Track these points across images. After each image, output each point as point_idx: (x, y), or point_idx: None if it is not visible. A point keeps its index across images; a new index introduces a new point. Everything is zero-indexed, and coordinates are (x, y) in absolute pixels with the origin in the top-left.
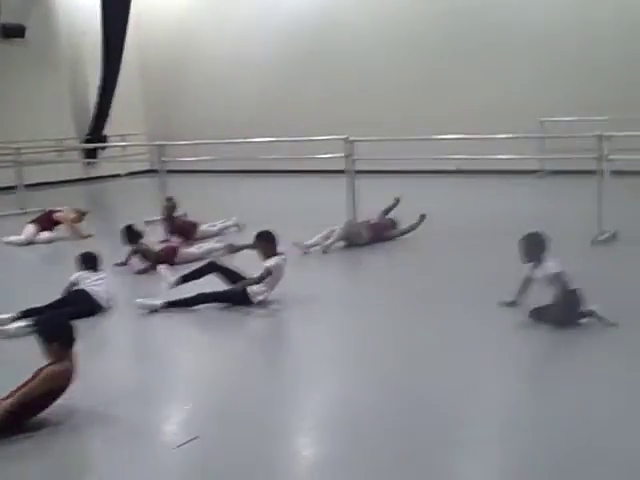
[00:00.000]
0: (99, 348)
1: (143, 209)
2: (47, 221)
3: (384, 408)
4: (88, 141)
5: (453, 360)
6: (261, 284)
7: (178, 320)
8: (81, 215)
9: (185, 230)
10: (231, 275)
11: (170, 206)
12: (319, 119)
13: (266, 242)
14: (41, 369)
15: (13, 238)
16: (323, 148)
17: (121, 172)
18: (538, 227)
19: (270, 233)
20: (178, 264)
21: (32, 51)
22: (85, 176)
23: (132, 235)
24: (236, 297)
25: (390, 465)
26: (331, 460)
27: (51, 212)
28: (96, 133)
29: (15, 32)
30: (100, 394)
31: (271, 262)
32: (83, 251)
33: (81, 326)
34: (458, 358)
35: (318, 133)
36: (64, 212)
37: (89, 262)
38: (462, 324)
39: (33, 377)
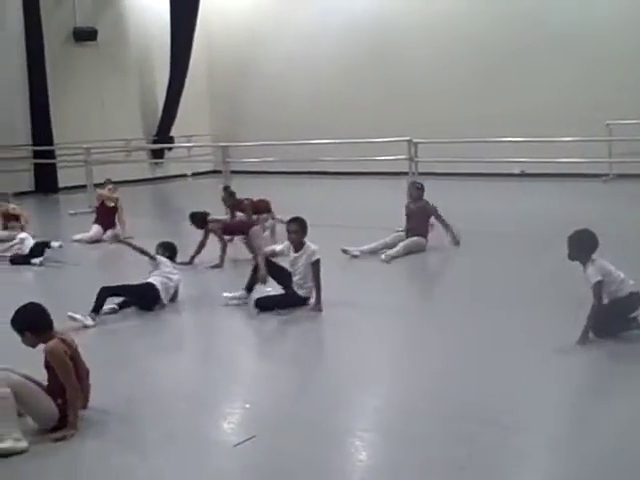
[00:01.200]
0: (159, 346)
1: (207, 209)
2: (103, 215)
3: (436, 413)
4: (155, 142)
5: (507, 367)
6: (301, 278)
7: (235, 320)
8: (111, 185)
9: (243, 207)
10: (280, 273)
11: (229, 195)
12: (381, 121)
13: (303, 229)
14: (45, 355)
15: (81, 236)
16: (385, 150)
17: (187, 172)
18: (600, 230)
19: (305, 220)
20: (247, 236)
21: (103, 54)
22: (151, 176)
23: (198, 218)
24: (297, 300)
25: (443, 471)
26: (385, 464)
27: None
28: (163, 134)
29: (87, 36)
30: (158, 392)
31: (315, 252)
32: (164, 240)
33: (143, 323)
34: (512, 364)
35: (380, 135)
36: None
37: (169, 251)
38: (517, 330)
39: (49, 367)
